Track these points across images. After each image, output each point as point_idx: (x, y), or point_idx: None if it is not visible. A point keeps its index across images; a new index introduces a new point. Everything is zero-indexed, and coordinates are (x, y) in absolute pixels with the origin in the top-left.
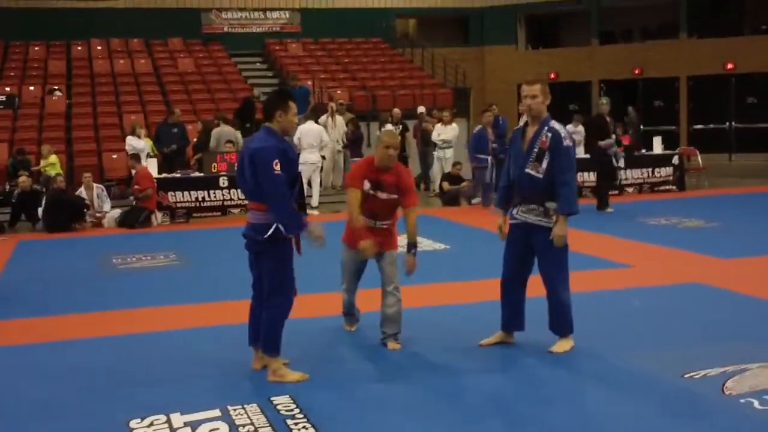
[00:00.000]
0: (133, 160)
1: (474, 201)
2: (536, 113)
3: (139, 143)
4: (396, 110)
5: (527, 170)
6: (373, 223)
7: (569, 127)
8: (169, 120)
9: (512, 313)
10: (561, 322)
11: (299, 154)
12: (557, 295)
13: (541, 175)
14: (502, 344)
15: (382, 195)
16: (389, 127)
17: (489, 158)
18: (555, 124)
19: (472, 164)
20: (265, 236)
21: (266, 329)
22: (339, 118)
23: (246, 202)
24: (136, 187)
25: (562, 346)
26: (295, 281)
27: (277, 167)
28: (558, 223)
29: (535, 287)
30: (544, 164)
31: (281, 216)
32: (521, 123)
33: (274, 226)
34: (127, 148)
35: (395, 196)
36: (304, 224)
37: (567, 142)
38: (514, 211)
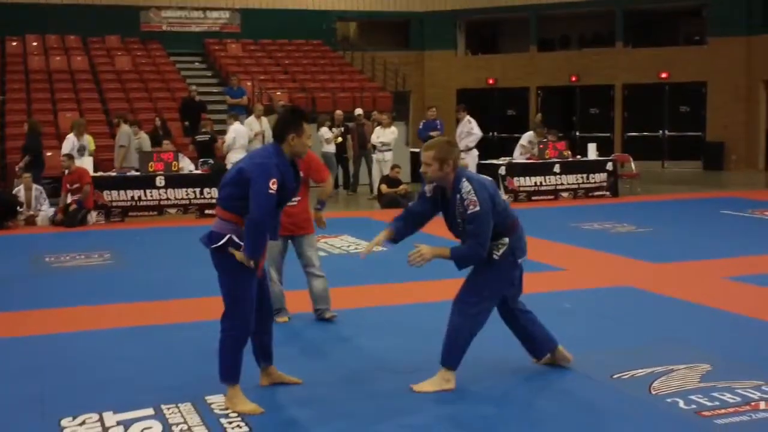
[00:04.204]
0: (69, 160)
1: None
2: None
3: (70, 143)
4: (338, 112)
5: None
6: None
7: (529, 134)
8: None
9: (525, 343)
10: (444, 347)
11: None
12: (452, 318)
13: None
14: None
15: None
16: (325, 129)
17: None
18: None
19: None
20: (214, 245)
21: (219, 355)
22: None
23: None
24: (76, 185)
25: (429, 384)
26: (270, 305)
27: (274, 187)
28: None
29: None
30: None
31: (251, 235)
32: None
33: (227, 237)
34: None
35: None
36: (260, 254)
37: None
38: None
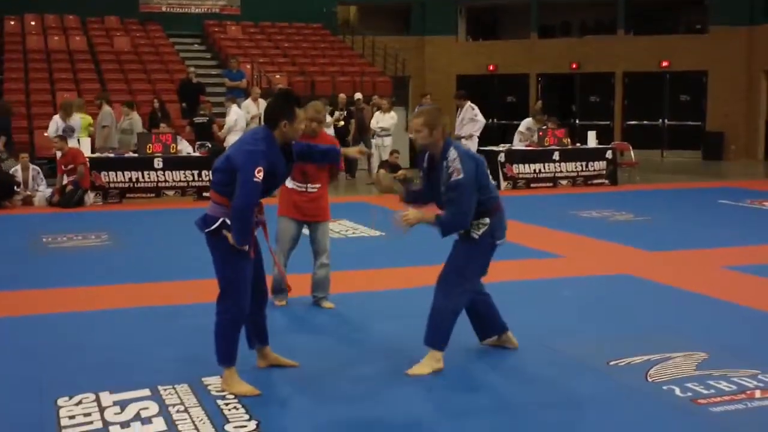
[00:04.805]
0: (61, 141)
1: None
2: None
3: (54, 124)
4: (342, 95)
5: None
6: (304, 187)
7: (528, 121)
8: None
9: (474, 321)
10: (429, 328)
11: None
12: (435, 299)
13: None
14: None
15: None
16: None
17: None
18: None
19: None
20: (208, 229)
21: (215, 338)
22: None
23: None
24: (71, 166)
25: (421, 367)
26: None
27: (259, 175)
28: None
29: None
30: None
31: (236, 221)
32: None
33: (220, 220)
34: (54, 130)
35: None
36: (249, 240)
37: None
38: None
